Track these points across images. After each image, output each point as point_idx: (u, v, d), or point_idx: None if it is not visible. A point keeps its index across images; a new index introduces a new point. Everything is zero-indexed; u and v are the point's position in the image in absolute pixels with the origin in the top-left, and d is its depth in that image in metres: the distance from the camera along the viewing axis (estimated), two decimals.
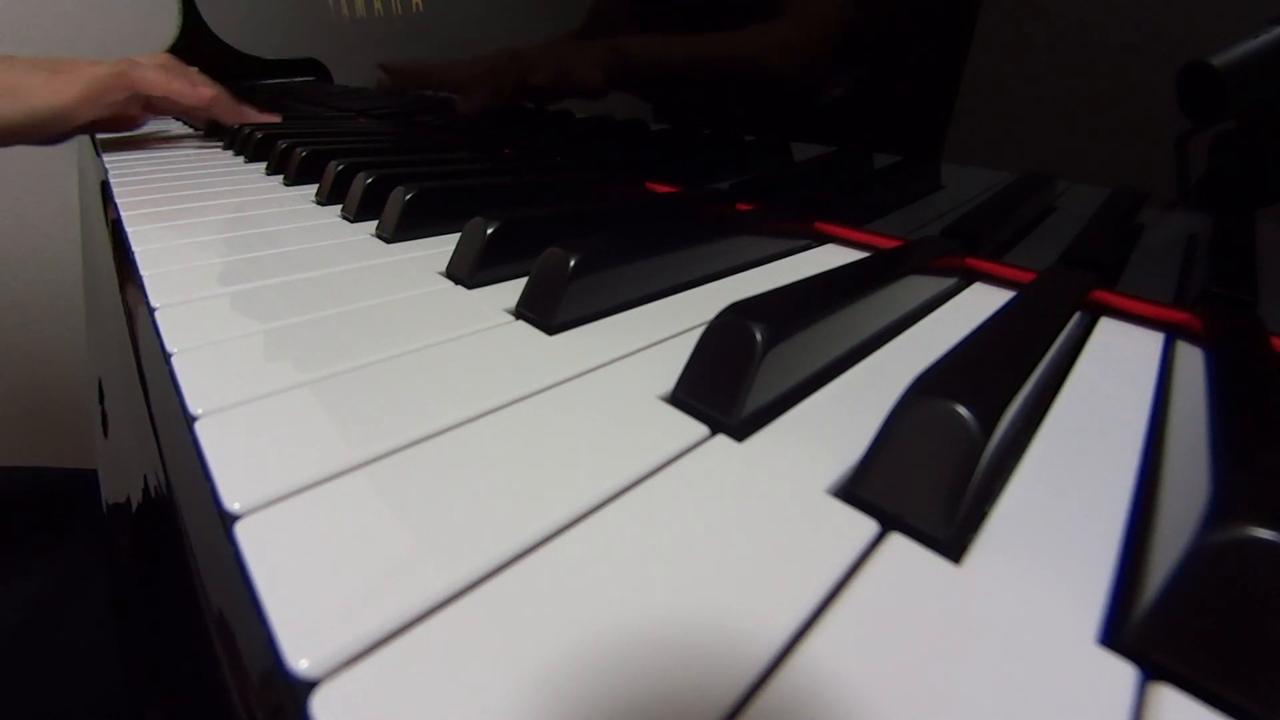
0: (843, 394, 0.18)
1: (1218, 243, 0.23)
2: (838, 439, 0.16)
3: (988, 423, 0.12)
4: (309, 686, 0.09)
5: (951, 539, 0.13)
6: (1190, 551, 0.10)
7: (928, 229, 0.30)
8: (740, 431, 0.16)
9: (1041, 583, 0.12)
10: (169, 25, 1.19)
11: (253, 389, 0.17)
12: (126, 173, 0.52)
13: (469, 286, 0.26)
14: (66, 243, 1.23)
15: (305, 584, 0.11)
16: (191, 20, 1.19)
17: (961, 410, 0.12)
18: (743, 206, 0.38)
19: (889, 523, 0.13)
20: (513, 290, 0.26)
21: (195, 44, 1.17)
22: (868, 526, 0.13)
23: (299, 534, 0.12)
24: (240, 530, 0.12)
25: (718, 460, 0.15)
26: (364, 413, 0.16)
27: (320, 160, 0.45)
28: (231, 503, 0.13)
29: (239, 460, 0.14)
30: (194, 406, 0.17)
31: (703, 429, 0.16)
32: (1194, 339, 0.23)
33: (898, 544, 0.12)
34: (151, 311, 0.23)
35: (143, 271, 0.27)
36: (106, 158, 0.59)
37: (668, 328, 0.23)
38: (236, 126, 0.64)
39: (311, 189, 0.45)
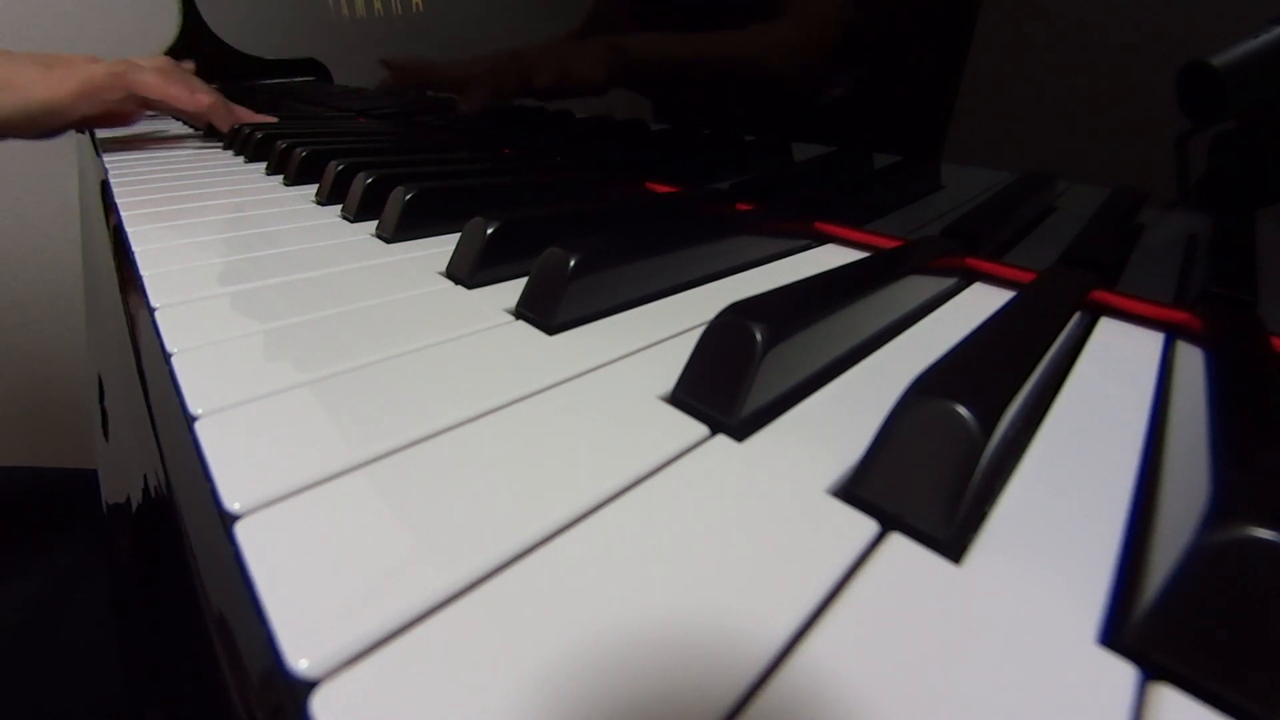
0: (843, 394, 0.18)
1: (1218, 243, 0.23)
2: (838, 439, 0.16)
3: (988, 423, 0.12)
4: (309, 686, 0.09)
5: (951, 539, 0.12)
6: (1190, 551, 0.10)
7: (928, 229, 0.30)
8: (740, 431, 0.16)
9: (1041, 583, 0.12)
10: (169, 25, 1.19)
11: (253, 389, 0.17)
12: (126, 173, 0.52)
13: (469, 286, 0.26)
14: (66, 243, 1.23)
15: (305, 584, 0.11)
16: (191, 20, 1.19)
17: (961, 410, 0.12)
18: (743, 206, 0.38)
19: (889, 523, 0.13)
20: (513, 290, 0.26)
21: (195, 44, 1.17)
22: (868, 526, 0.13)
23: (299, 534, 0.12)
24: (240, 530, 0.12)
25: (718, 460, 0.15)
26: (364, 413, 0.16)
27: (320, 160, 0.45)
28: (231, 503, 0.13)
29: (239, 460, 0.14)
30: (194, 406, 0.17)
31: (703, 429, 0.16)
32: (1194, 339, 0.23)
33: (898, 544, 0.12)
34: (151, 311, 0.23)
35: (143, 271, 0.27)
36: (106, 158, 0.59)
37: (668, 328, 0.23)
38: (236, 127, 0.64)
39: (311, 189, 0.45)
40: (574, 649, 0.10)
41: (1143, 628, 0.10)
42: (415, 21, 0.64)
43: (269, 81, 1.18)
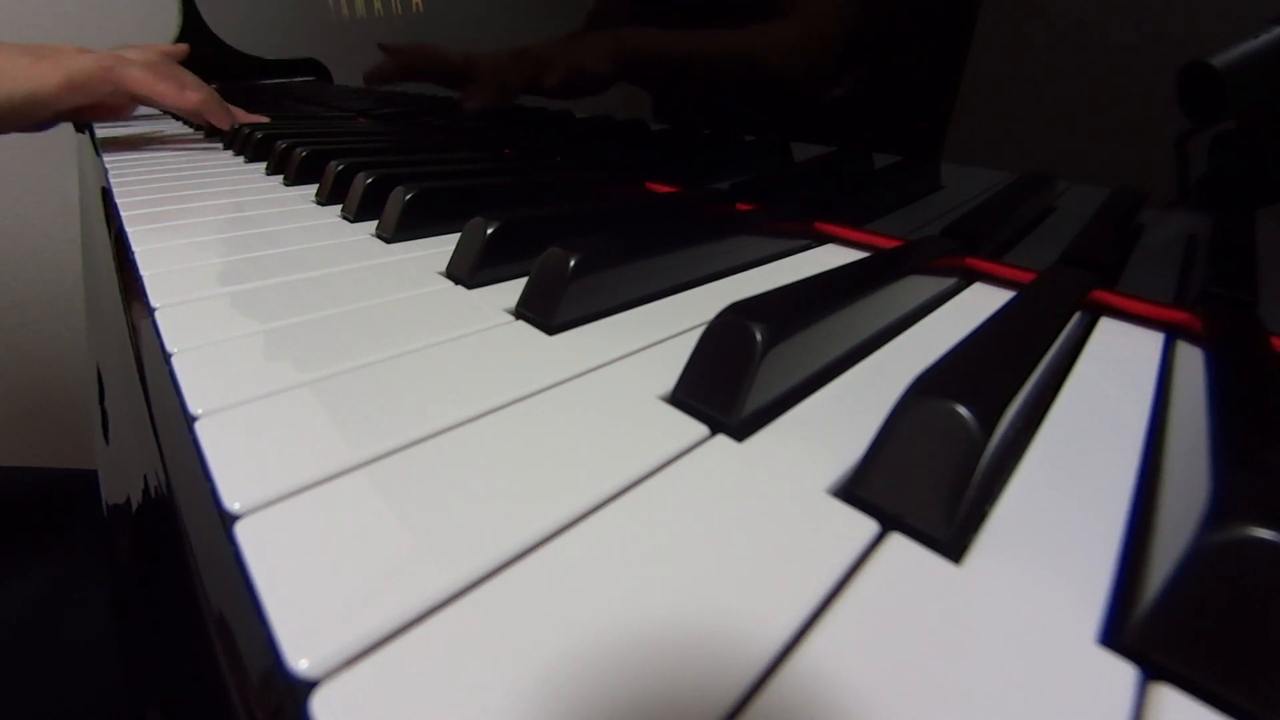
0: (843, 394, 0.18)
1: (1218, 243, 0.23)
2: (838, 439, 0.16)
3: (988, 423, 0.12)
4: (309, 687, 0.09)
5: (952, 539, 0.12)
6: (1190, 551, 0.10)
7: (928, 229, 0.30)
8: (740, 431, 0.16)
9: (1041, 583, 0.12)
10: (169, 25, 1.19)
11: (253, 389, 0.17)
12: (127, 173, 0.52)
13: (469, 286, 0.26)
14: (66, 243, 1.24)
15: (305, 584, 0.11)
16: (191, 20, 1.19)
17: (961, 410, 0.12)
18: (743, 206, 0.38)
19: (889, 523, 0.13)
20: (513, 290, 0.26)
21: (195, 43, 1.16)
22: (868, 526, 0.13)
23: (299, 534, 0.12)
24: (240, 530, 0.12)
25: (718, 460, 0.15)
26: (364, 413, 0.16)
27: (320, 160, 0.45)
28: (231, 503, 0.13)
29: (239, 460, 0.14)
30: (194, 406, 0.17)
31: (703, 429, 0.16)
32: (1194, 339, 0.23)
33: (898, 544, 0.12)
34: (151, 311, 0.23)
35: (143, 271, 0.27)
36: (106, 158, 0.59)
37: (668, 328, 0.23)
38: (235, 127, 0.64)
39: (311, 189, 0.45)
40: (574, 649, 0.10)
41: (1143, 628, 0.10)
42: (415, 21, 0.64)
43: (269, 81, 1.18)
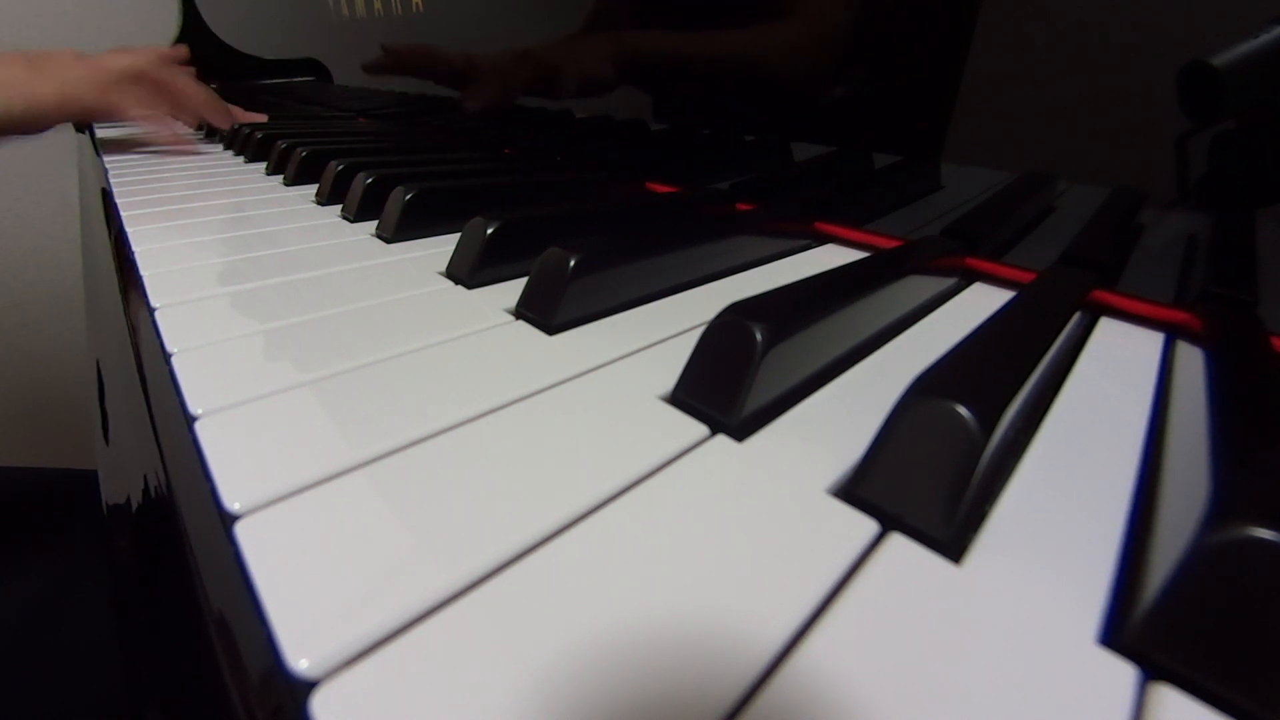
0: (843, 394, 0.18)
1: (1218, 243, 0.23)
2: (838, 439, 0.16)
3: (988, 423, 0.12)
4: (309, 686, 0.09)
5: (952, 539, 0.12)
6: (1190, 551, 0.10)
7: (928, 229, 0.30)
8: (740, 431, 0.16)
9: (1041, 583, 0.12)
10: (169, 25, 1.19)
11: (253, 389, 0.17)
12: (127, 173, 0.52)
13: (469, 286, 0.26)
14: (66, 243, 1.23)
15: (305, 584, 0.11)
16: (191, 20, 1.19)
17: (961, 410, 0.12)
18: (743, 206, 0.38)
19: (889, 523, 0.13)
20: (513, 290, 0.26)
21: (195, 44, 1.17)
22: (868, 526, 0.13)
23: (299, 534, 0.12)
24: (240, 530, 0.12)
25: (718, 460, 0.15)
26: (364, 413, 0.16)
27: (320, 160, 0.45)
28: (231, 503, 0.13)
29: (239, 460, 0.14)
30: (194, 406, 0.17)
31: (703, 429, 0.16)
32: (1194, 339, 0.23)
33: (898, 544, 0.12)
34: (151, 311, 0.23)
35: (143, 271, 0.27)
36: (106, 158, 0.59)
37: (668, 328, 0.23)
38: (235, 126, 0.64)
39: (311, 189, 0.45)
40: (574, 649, 0.10)
41: (1143, 628, 0.10)
42: (415, 21, 0.64)
43: (269, 81, 1.18)
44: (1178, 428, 0.17)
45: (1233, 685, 0.09)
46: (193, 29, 1.18)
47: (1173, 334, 0.23)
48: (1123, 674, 0.10)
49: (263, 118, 0.73)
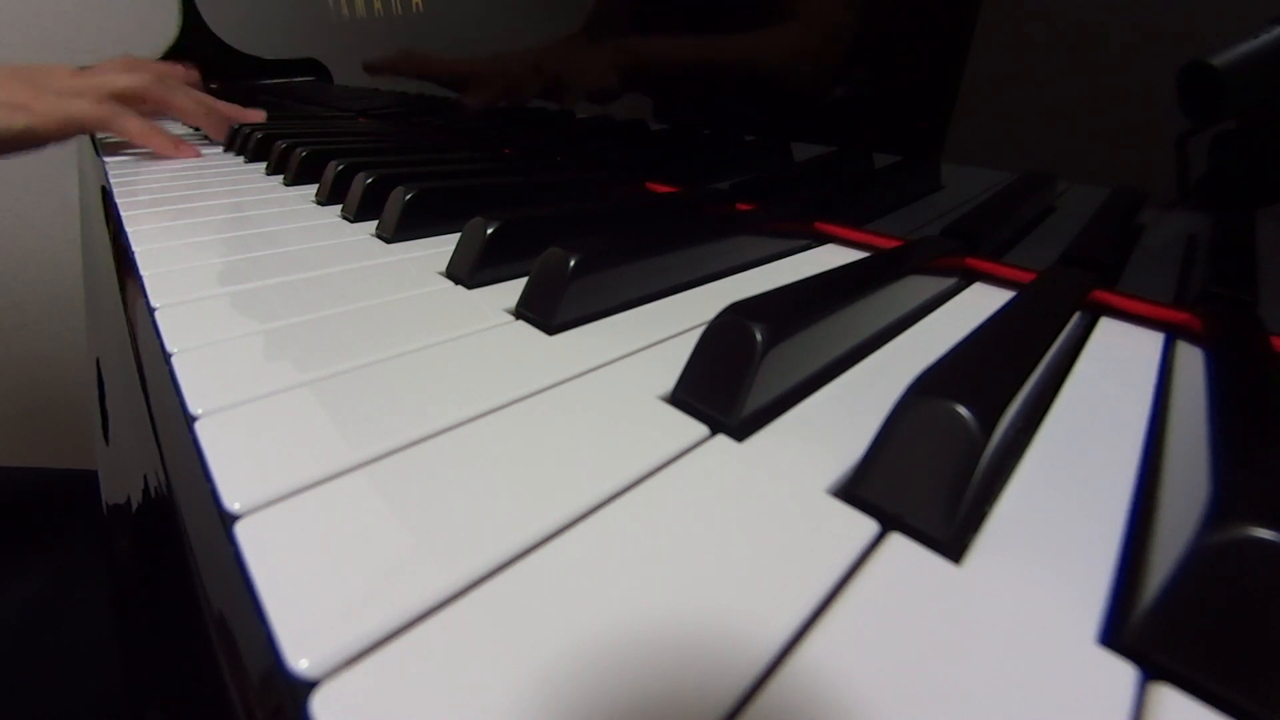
0: (843, 394, 0.18)
1: (1218, 243, 0.23)
2: (838, 439, 0.16)
3: (988, 423, 0.12)
4: (309, 687, 0.09)
5: (952, 539, 0.12)
6: (1190, 551, 0.10)
7: (928, 229, 0.30)
8: (740, 431, 0.16)
9: (1041, 583, 0.12)
10: (169, 25, 1.19)
11: (253, 389, 0.17)
12: (127, 173, 0.52)
13: (469, 286, 0.26)
14: (66, 243, 1.23)
15: (305, 584, 0.11)
16: (191, 20, 1.19)
17: (961, 410, 0.12)
18: (743, 206, 0.38)
19: (889, 523, 0.13)
20: (513, 290, 0.26)
21: (195, 44, 1.17)
22: (868, 526, 0.13)
23: (299, 534, 0.12)
24: (240, 530, 0.12)
25: (718, 460, 0.15)
26: (364, 413, 0.16)
27: (320, 160, 0.45)
28: (231, 503, 0.13)
29: (239, 460, 0.14)
30: (194, 406, 0.17)
31: (703, 429, 0.16)
32: (1194, 339, 0.23)
33: (898, 544, 0.12)
34: (151, 311, 0.23)
35: (143, 271, 0.27)
36: (106, 158, 0.59)
37: (668, 328, 0.23)
38: (236, 126, 0.64)
39: (311, 189, 0.45)
40: (574, 649, 0.10)
41: (1143, 628, 0.10)
42: (415, 21, 0.64)
43: (269, 81, 1.18)
44: (1178, 428, 0.17)
45: (1233, 685, 0.09)
46: (193, 29, 1.18)
47: (1173, 334, 0.23)
48: (1123, 674, 0.10)
49: (261, 115, 0.72)
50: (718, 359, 0.17)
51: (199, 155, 0.62)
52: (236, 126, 0.64)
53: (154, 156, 0.59)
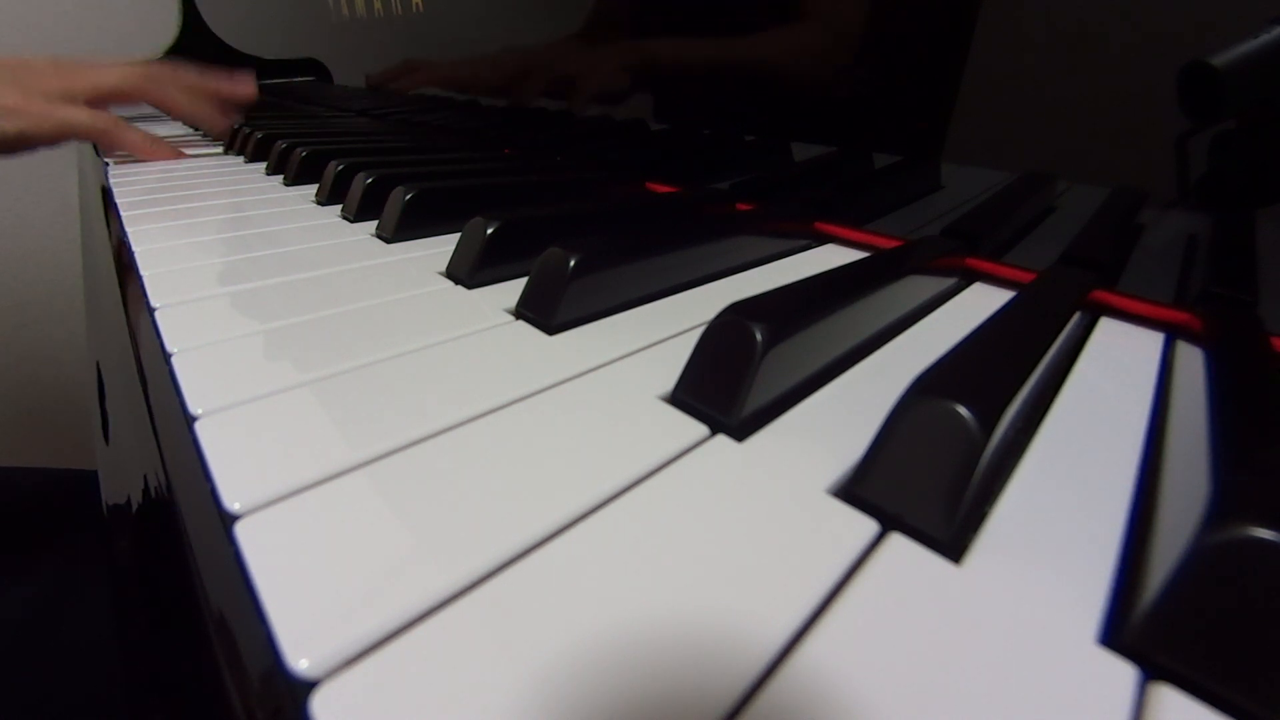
0: (843, 394, 0.18)
1: (1218, 243, 0.23)
2: (838, 439, 0.16)
3: (988, 423, 0.12)
4: (309, 686, 0.09)
5: (952, 539, 0.12)
6: (1190, 551, 0.10)
7: (928, 229, 0.30)
8: (740, 431, 0.16)
9: (1041, 583, 0.12)
10: (169, 25, 1.19)
11: (253, 389, 0.17)
12: (127, 173, 0.52)
13: (469, 286, 0.26)
14: (66, 243, 1.23)
15: (305, 584, 0.11)
16: (191, 20, 1.19)
17: (961, 410, 0.12)
18: (743, 206, 0.38)
19: (889, 523, 0.13)
20: (513, 290, 0.26)
21: (195, 44, 1.17)
22: (868, 526, 0.13)
23: (299, 534, 0.12)
24: (240, 530, 0.12)
25: (718, 460, 0.15)
26: (364, 412, 0.16)
27: (320, 160, 0.45)
28: (231, 503, 0.13)
29: (239, 460, 0.14)
30: (194, 406, 0.17)
31: (703, 429, 0.16)
32: (1194, 339, 0.23)
33: (898, 544, 0.12)
34: (151, 311, 0.23)
35: (143, 271, 0.27)
36: (106, 158, 0.59)
37: (668, 328, 0.23)
38: (235, 127, 0.64)
39: (311, 189, 0.45)
40: (574, 649, 0.10)
41: (1143, 628, 0.10)
42: (415, 22, 0.64)
43: (269, 81, 1.18)
44: (1178, 428, 0.17)
45: (1233, 685, 0.09)
46: (193, 29, 1.18)
47: (1173, 334, 0.23)
48: (1123, 674, 0.10)
49: (250, 82, 0.71)
50: (718, 359, 0.17)
51: (189, 157, 0.61)
52: (236, 126, 0.64)
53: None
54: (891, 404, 0.13)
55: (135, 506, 0.17)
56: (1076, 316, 0.23)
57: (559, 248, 0.23)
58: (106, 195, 0.45)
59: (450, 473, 0.14)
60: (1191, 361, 0.21)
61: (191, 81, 0.68)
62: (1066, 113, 0.25)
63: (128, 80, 0.62)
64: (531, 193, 0.40)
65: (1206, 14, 0.21)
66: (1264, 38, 0.20)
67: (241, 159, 0.59)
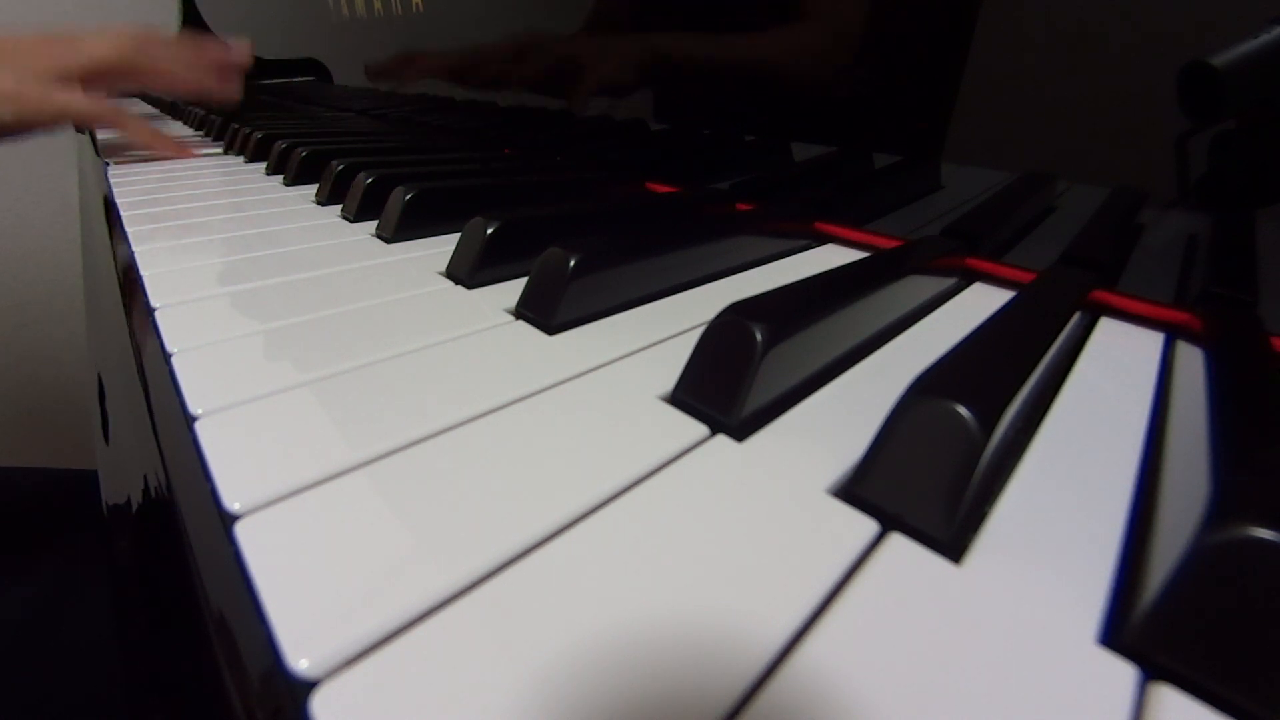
0: (843, 394, 0.18)
1: (1218, 243, 0.23)
2: (838, 439, 0.16)
3: (988, 423, 0.12)
4: (309, 687, 0.09)
5: (952, 539, 0.12)
6: (1190, 551, 0.10)
7: (928, 229, 0.30)
8: (740, 431, 0.16)
9: (1041, 583, 0.12)
10: (169, 25, 1.19)
11: (253, 389, 0.17)
12: (127, 173, 0.52)
13: (469, 286, 0.26)
14: (66, 243, 1.24)
15: (305, 584, 0.11)
16: (191, 20, 1.19)
17: (961, 410, 0.12)
18: (743, 206, 0.38)
19: (889, 523, 0.13)
20: (513, 290, 0.26)
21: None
22: (868, 526, 0.13)
23: (299, 534, 0.12)
24: (240, 530, 0.12)
25: (718, 460, 0.15)
26: (364, 412, 0.16)
27: (320, 160, 0.45)
28: (231, 503, 0.13)
29: (239, 460, 0.14)
30: (194, 406, 0.17)
31: (703, 429, 0.16)
32: (1194, 339, 0.23)
33: (898, 544, 0.12)
34: (151, 311, 0.23)
35: (143, 271, 0.27)
36: (107, 158, 0.59)
37: (668, 328, 0.23)
38: (235, 127, 0.64)
39: (311, 189, 0.45)
40: (574, 649, 0.10)
41: (1143, 628, 0.10)
42: (415, 21, 0.64)
43: (269, 81, 1.18)
44: (1178, 428, 0.17)
45: (1233, 685, 0.09)
46: (193, 29, 1.18)
47: (1173, 334, 0.23)
48: (1123, 674, 0.10)
49: (247, 48, 0.69)
50: (718, 359, 0.17)
51: (197, 156, 0.61)
52: (235, 127, 0.64)
53: (154, 156, 0.59)
54: (891, 404, 0.13)
55: (135, 506, 0.17)
56: (1076, 316, 0.23)
57: (559, 248, 0.23)
58: (106, 195, 0.45)
59: (450, 473, 0.14)
60: (1191, 361, 0.21)
61: (185, 49, 0.65)
62: (1066, 113, 0.25)
63: (120, 51, 0.59)
64: (531, 193, 0.40)
65: (1206, 14, 0.21)
66: (1264, 38, 0.20)
67: (241, 159, 0.59)
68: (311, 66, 0.96)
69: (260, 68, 1.15)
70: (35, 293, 1.23)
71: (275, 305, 0.24)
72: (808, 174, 0.36)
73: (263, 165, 0.54)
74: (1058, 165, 0.26)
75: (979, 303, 0.26)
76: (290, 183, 0.47)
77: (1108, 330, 0.24)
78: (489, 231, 0.27)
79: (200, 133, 0.77)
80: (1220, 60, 0.21)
